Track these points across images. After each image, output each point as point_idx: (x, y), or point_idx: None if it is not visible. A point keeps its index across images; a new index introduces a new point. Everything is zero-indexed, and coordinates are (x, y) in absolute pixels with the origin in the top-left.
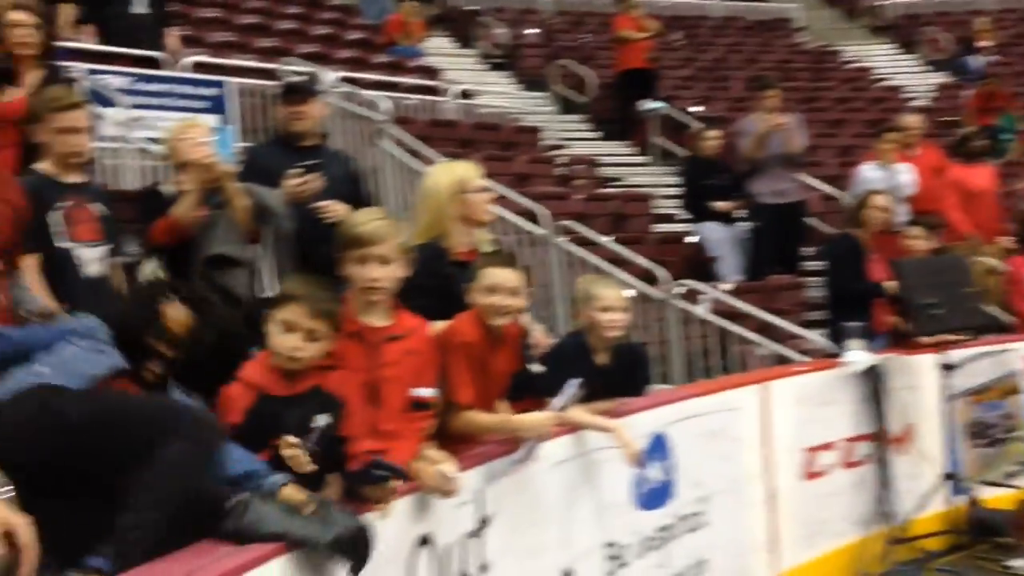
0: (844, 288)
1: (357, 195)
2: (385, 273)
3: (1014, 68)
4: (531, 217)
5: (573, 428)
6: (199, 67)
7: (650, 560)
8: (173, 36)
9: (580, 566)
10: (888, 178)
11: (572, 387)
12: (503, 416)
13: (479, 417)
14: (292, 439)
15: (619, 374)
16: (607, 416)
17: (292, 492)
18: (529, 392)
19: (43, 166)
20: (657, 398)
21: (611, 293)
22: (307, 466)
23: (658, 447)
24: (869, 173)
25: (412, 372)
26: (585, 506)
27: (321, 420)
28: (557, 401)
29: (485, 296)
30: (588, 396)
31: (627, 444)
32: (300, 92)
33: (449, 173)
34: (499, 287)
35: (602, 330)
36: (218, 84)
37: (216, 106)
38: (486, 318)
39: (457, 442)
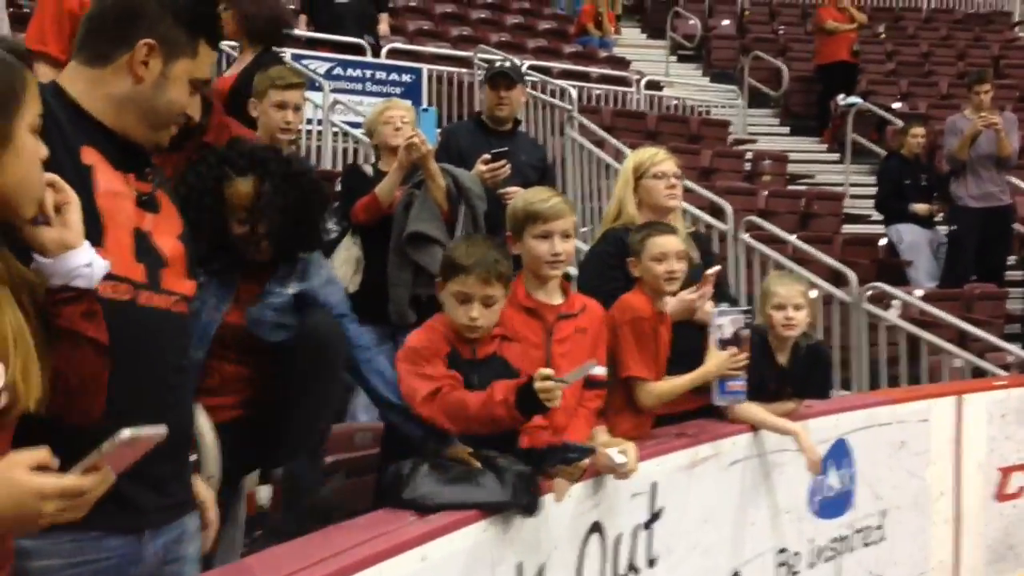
0: None
1: (543, 183)
2: (566, 248)
3: None
4: (716, 212)
5: (753, 427)
6: (396, 54)
7: (821, 571)
8: (385, 22)
9: (749, 570)
10: None
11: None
12: (683, 377)
13: (662, 385)
14: (547, 370)
15: (799, 375)
16: (788, 418)
17: (459, 451)
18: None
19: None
20: (840, 403)
21: (789, 291)
22: (557, 401)
23: (839, 454)
24: None
25: (585, 350)
26: (760, 508)
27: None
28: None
29: (654, 265)
30: (768, 396)
31: (808, 448)
32: (507, 77)
33: (633, 158)
34: (666, 255)
35: (778, 328)
36: (414, 71)
37: (411, 92)
38: (657, 287)
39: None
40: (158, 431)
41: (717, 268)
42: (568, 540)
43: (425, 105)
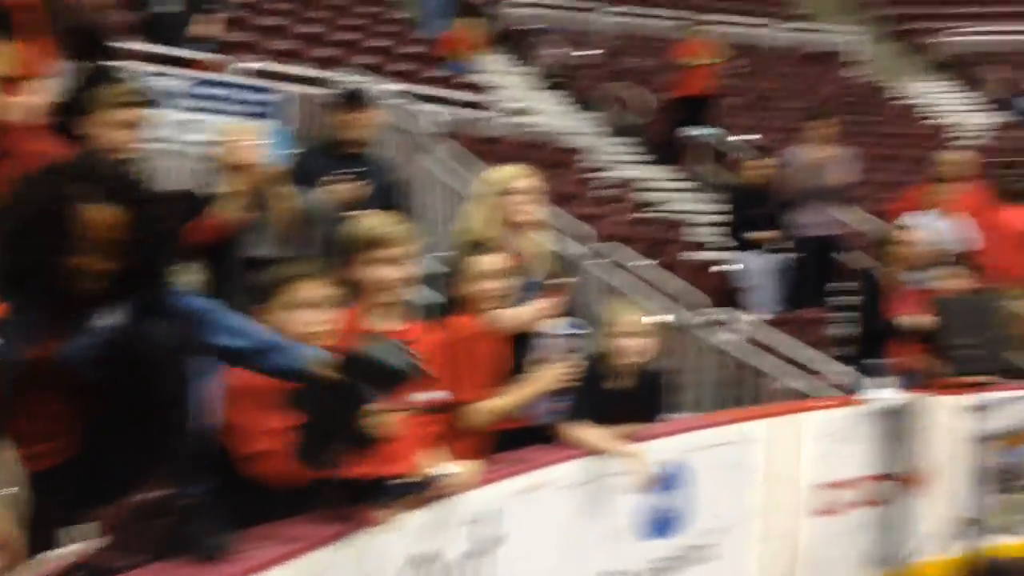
0: (867, 324)
1: (392, 205)
2: (400, 275)
3: None
4: (573, 237)
5: (590, 450)
6: (258, 73)
7: None
8: (215, 23)
9: None
10: (939, 224)
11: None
12: (511, 393)
13: (493, 404)
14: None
15: (637, 399)
16: (626, 440)
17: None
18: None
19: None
20: (675, 425)
21: (631, 318)
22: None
23: (673, 475)
24: (921, 218)
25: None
26: (596, 531)
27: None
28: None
29: (473, 285)
30: (604, 420)
31: (641, 470)
32: (354, 100)
33: (493, 175)
34: (486, 274)
35: (620, 355)
36: (274, 91)
37: (271, 113)
38: (479, 307)
39: (476, 440)
40: None
41: (563, 283)
42: (403, 570)
43: (282, 126)
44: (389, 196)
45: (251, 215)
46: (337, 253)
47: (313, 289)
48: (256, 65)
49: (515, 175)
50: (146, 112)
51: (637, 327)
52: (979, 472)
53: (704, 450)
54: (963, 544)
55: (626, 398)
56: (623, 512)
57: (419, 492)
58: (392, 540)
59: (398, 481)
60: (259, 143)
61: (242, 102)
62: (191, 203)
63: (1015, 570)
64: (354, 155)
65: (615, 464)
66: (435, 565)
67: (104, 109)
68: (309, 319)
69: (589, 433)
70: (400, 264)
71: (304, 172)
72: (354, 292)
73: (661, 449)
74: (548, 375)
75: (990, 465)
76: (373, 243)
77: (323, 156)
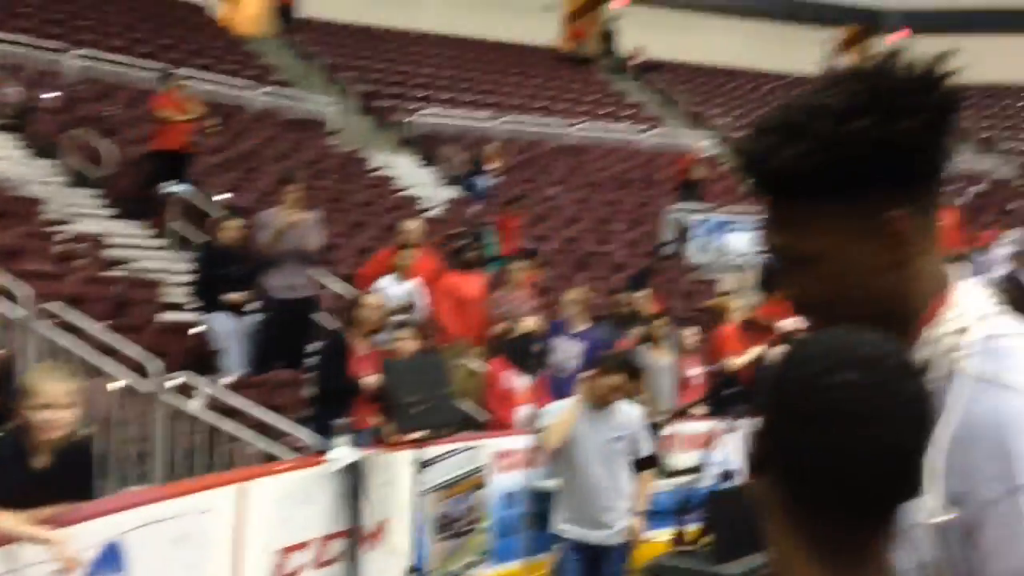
0: (328, 385)
1: None
2: None
3: (512, 191)
4: (11, 297)
5: (4, 539)
6: None
7: None
8: None
9: None
10: (400, 289)
11: None
12: None
13: None
14: None
15: (61, 477)
16: (47, 525)
17: None
18: None
19: None
20: (113, 503)
21: (55, 389)
22: None
23: (111, 557)
24: (384, 283)
25: None
26: None
27: None
28: None
29: None
30: (24, 503)
31: (65, 556)
32: None
33: None
34: None
35: (39, 430)
36: None
37: None
38: None
39: None
40: None
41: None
42: None
43: None
44: None
45: None
46: None
47: None
48: None
49: None
50: None
51: (61, 397)
52: (426, 522)
53: (149, 525)
54: None
55: (49, 477)
56: None
57: None
58: None
59: None
60: None
61: None
62: None
63: None
64: None
65: (36, 552)
66: None
67: None
68: None
69: (4, 519)
70: None
71: None
72: None
73: (95, 530)
74: None
75: (434, 515)
76: None
77: None
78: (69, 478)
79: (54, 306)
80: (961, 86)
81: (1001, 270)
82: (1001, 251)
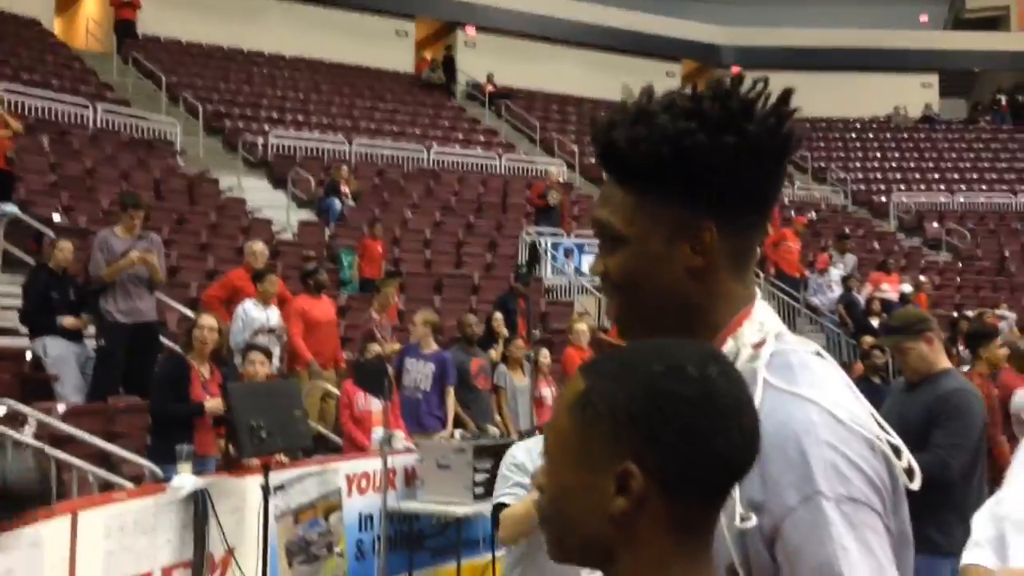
0: (164, 409)
1: None
2: None
3: (369, 214)
4: None
5: None
6: None
7: None
8: None
9: None
10: (263, 313)
11: None
12: None
13: None
14: None
15: None
16: None
17: None
18: None
19: None
20: None
21: None
22: None
23: None
24: (247, 308)
25: None
26: None
27: None
28: None
29: None
30: None
31: None
32: None
33: None
34: None
35: None
36: None
37: None
38: None
39: None
40: None
41: None
42: None
43: None
44: None
45: None
46: None
47: None
48: None
49: None
50: None
51: None
52: (275, 548)
53: None
54: None
55: None
56: None
57: None
58: None
59: None
60: None
61: None
62: None
63: None
64: None
65: None
66: None
67: None
68: None
69: None
70: None
71: None
72: None
73: None
74: None
75: (288, 539)
76: None
77: None
78: None
79: None
80: (796, 120)
81: (836, 291)
82: (835, 273)
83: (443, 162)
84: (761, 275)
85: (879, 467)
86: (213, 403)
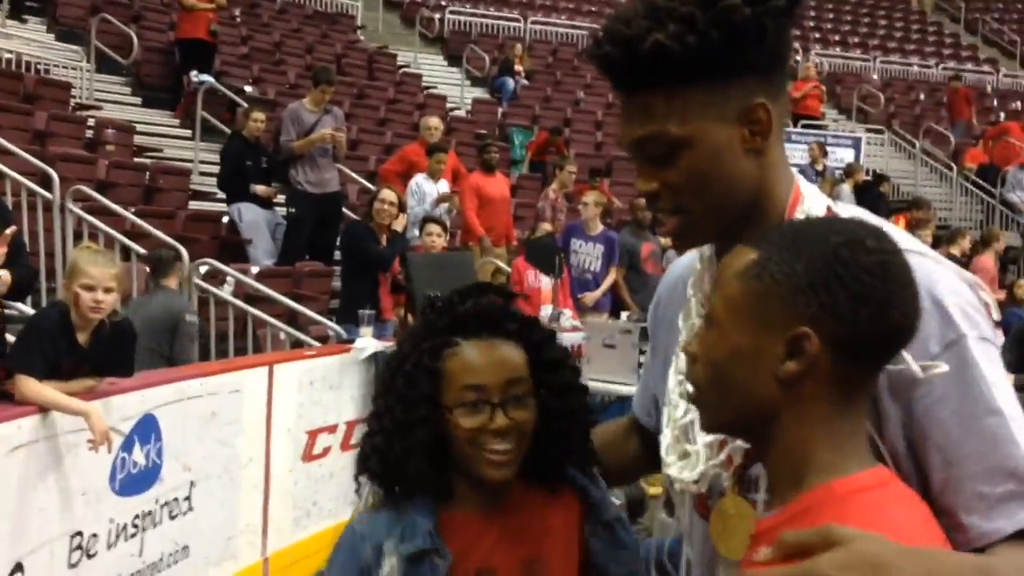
0: (351, 275)
1: None
2: None
3: (539, 93)
4: (45, 181)
5: (42, 408)
6: None
7: (122, 549)
8: None
9: (35, 559)
10: (434, 188)
11: None
12: None
13: None
14: None
15: (103, 353)
16: (86, 397)
17: None
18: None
19: None
20: (147, 379)
21: (101, 272)
22: None
23: (145, 429)
24: (419, 182)
25: None
26: (50, 493)
27: None
28: None
29: None
30: (65, 375)
31: (96, 427)
32: None
33: None
34: None
35: (83, 308)
36: None
37: None
38: None
39: None
40: None
41: (12, 229)
42: None
43: None
44: None
45: None
46: None
47: None
48: None
49: None
50: None
51: (105, 280)
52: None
53: (181, 402)
54: None
55: (88, 352)
56: (85, 471)
57: None
58: None
59: None
60: None
61: None
62: None
63: None
64: None
65: (73, 421)
66: None
67: None
68: None
69: (44, 390)
70: None
71: None
72: None
73: (131, 404)
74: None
75: None
76: None
77: None
78: (110, 355)
79: (83, 189)
80: None
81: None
82: None
83: None
84: (954, 168)
85: (984, 307)
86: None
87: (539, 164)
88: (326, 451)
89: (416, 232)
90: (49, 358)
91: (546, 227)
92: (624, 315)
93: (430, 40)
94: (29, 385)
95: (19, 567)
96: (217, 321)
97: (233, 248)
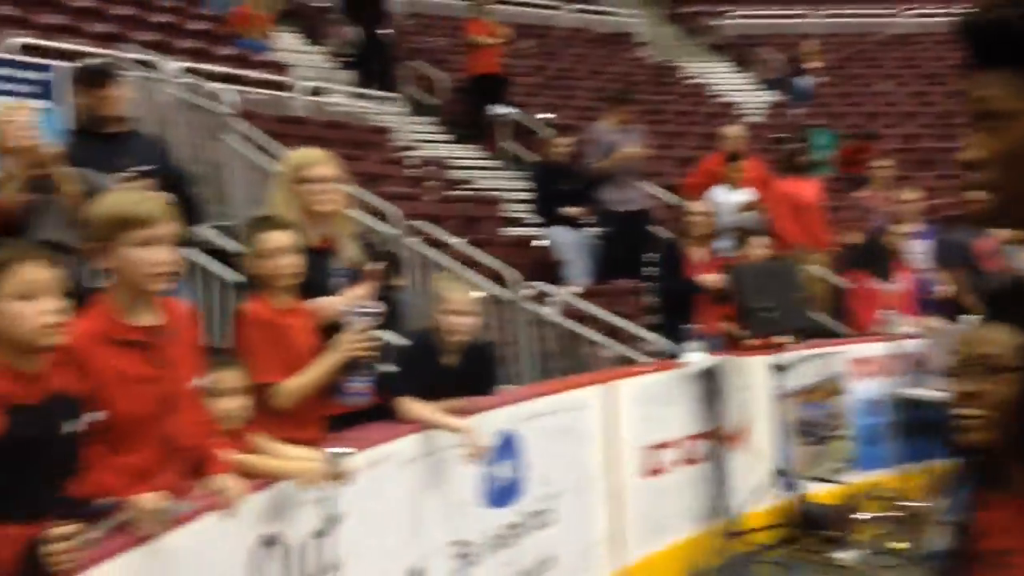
0: (669, 291)
1: (173, 181)
2: (160, 258)
3: (838, 89)
4: (382, 217)
5: (422, 426)
6: (27, 50)
7: (498, 558)
8: None
9: (429, 565)
10: (733, 197)
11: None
12: (310, 369)
13: (293, 382)
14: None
15: (468, 374)
16: (456, 415)
17: None
18: (380, 391)
19: None
20: (506, 397)
21: (461, 296)
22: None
23: (507, 445)
24: (717, 193)
25: (192, 365)
26: (434, 505)
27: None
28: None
29: (267, 263)
30: (437, 395)
31: (474, 442)
32: (99, 75)
33: (290, 160)
34: (277, 251)
35: (450, 332)
36: (46, 68)
37: (45, 91)
38: (274, 285)
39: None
40: None
41: (375, 268)
42: (254, 552)
43: (56, 106)
44: (170, 176)
45: (34, 198)
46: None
47: (38, 272)
48: (25, 40)
49: (314, 160)
50: None
51: (465, 304)
52: (785, 426)
53: (536, 419)
54: (776, 495)
55: (457, 373)
56: (462, 484)
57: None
58: (238, 523)
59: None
60: (34, 122)
61: (10, 80)
62: None
63: (824, 517)
64: (116, 134)
65: (450, 438)
66: (281, 547)
67: None
68: (38, 308)
69: (422, 408)
70: (161, 246)
71: (71, 153)
72: (108, 281)
73: (494, 421)
74: (343, 345)
75: (794, 419)
76: (128, 223)
77: (81, 138)
78: (475, 376)
79: (416, 224)
80: None
81: None
82: None
83: (920, 25)
84: None
85: None
86: (712, 279)
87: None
88: (667, 466)
89: (725, 243)
90: (423, 381)
91: (873, 229)
92: (964, 317)
93: (714, 48)
94: (410, 406)
95: (417, 572)
96: (543, 340)
97: (548, 270)
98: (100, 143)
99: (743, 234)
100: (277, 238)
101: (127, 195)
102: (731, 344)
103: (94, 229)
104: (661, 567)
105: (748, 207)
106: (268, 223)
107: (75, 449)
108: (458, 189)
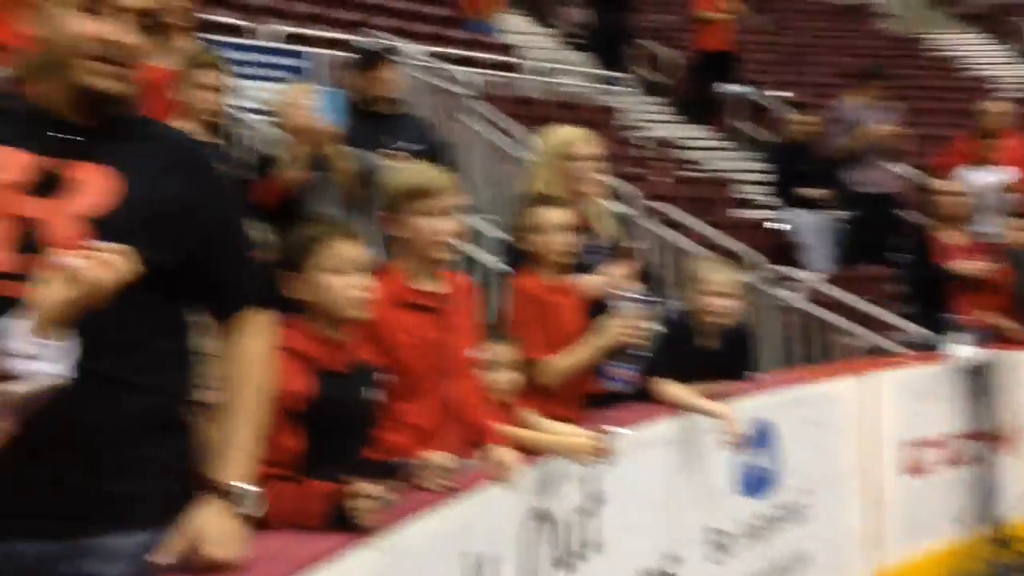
0: (922, 279)
1: (440, 162)
2: (447, 228)
3: None
4: (616, 198)
5: (681, 409)
6: (281, 37)
7: (752, 548)
8: None
9: (684, 549)
10: (988, 178)
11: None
12: (576, 348)
13: (560, 360)
14: (367, 487)
15: (726, 358)
16: (714, 399)
17: None
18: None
19: (180, 124)
20: (762, 384)
21: (723, 278)
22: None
23: (763, 433)
24: (970, 173)
25: (469, 333)
26: (691, 489)
27: None
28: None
29: (541, 239)
30: (694, 378)
31: (733, 429)
32: (375, 59)
33: (555, 137)
34: (553, 227)
35: (711, 315)
36: (301, 55)
37: (297, 77)
38: (547, 261)
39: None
40: None
41: (633, 247)
42: (524, 525)
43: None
44: (425, 156)
45: (312, 176)
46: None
47: (349, 249)
48: (287, 29)
49: (576, 138)
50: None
51: (726, 286)
52: None
53: (791, 408)
54: None
55: (714, 356)
56: (718, 470)
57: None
58: (510, 497)
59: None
60: (315, 103)
61: (273, 66)
62: (256, 165)
63: None
64: (388, 115)
65: (706, 422)
66: (549, 522)
67: (190, 71)
68: (348, 282)
69: (680, 391)
70: (446, 216)
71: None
72: (398, 250)
73: (749, 408)
74: (613, 330)
75: None
76: (417, 194)
77: (354, 119)
78: (733, 360)
79: (651, 204)
80: None
81: None
82: None
83: None
84: None
85: None
86: (969, 264)
87: None
88: (930, 465)
89: (985, 227)
90: (680, 362)
91: None
92: None
93: (966, 19)
94: (668, 388)
95: (675, 558)
96: (786, 326)
97: (784, 253)
98: (373, 123)
99: (1009, 216)
100: (553, 215)
101: (417, 168)
102: (999, 337)
103: (386, 200)
104: (921, 571)
105: (1009, 188)
106: (543, 199)
107: (374, 415)
108: (688, 170)
